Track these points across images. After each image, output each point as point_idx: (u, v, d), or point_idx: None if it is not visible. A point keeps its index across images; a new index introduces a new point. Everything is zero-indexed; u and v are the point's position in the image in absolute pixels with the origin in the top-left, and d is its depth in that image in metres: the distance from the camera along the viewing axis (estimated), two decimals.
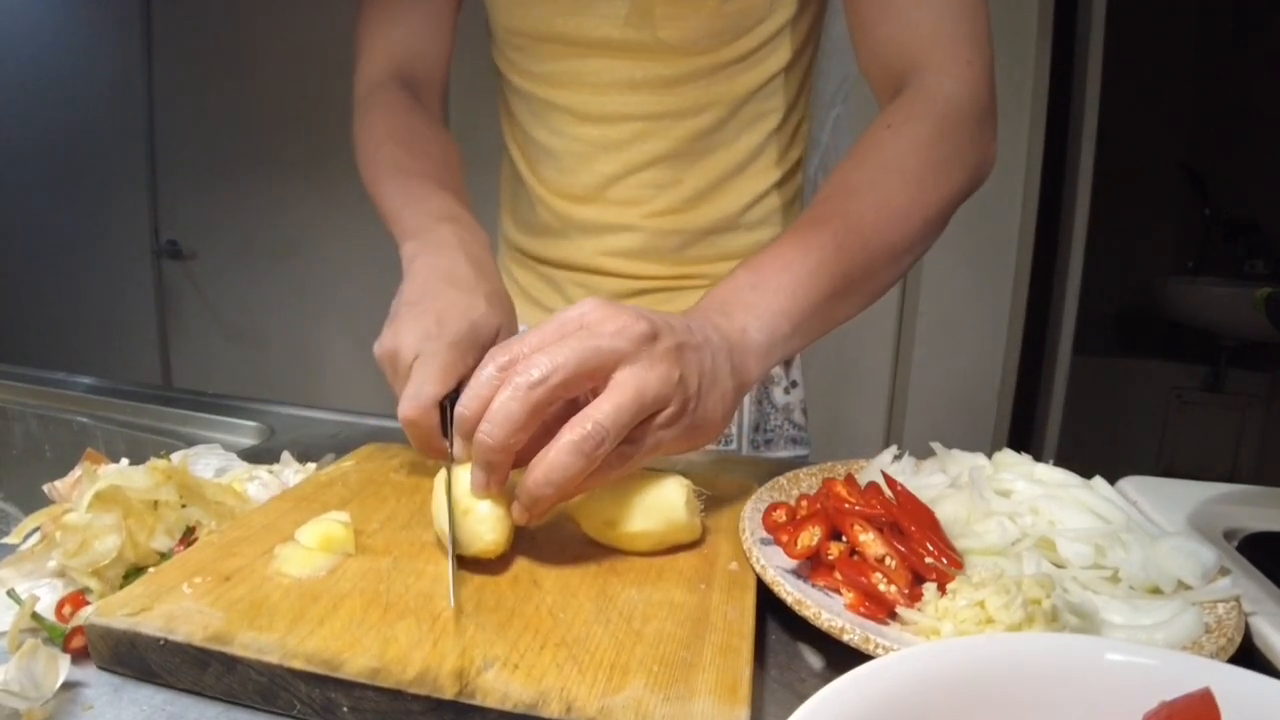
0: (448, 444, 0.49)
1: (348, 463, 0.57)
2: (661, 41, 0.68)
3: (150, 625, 0.35)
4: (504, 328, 0.54)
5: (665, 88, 0.70)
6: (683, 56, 0.69)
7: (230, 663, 0.34)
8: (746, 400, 0.80)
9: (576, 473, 0.40)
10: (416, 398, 0.49)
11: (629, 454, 0.43)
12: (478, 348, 0.51)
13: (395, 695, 0.32)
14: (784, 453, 0.82)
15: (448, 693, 0.32)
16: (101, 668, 0.36)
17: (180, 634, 0.35)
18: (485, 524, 0.42)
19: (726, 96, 0.71)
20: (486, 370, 0.42)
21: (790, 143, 0.77)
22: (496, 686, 0.32)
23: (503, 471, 0.42)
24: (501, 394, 0.40)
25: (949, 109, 0.58)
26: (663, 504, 0.45)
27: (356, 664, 0.33)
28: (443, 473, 0.45)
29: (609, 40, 0.69)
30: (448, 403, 0.50)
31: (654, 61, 0.69)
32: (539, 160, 0.78)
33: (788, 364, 0.83)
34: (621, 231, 0.76)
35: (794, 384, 0.83)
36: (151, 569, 0.40)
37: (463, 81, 0.82)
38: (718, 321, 0.47)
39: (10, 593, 0.40)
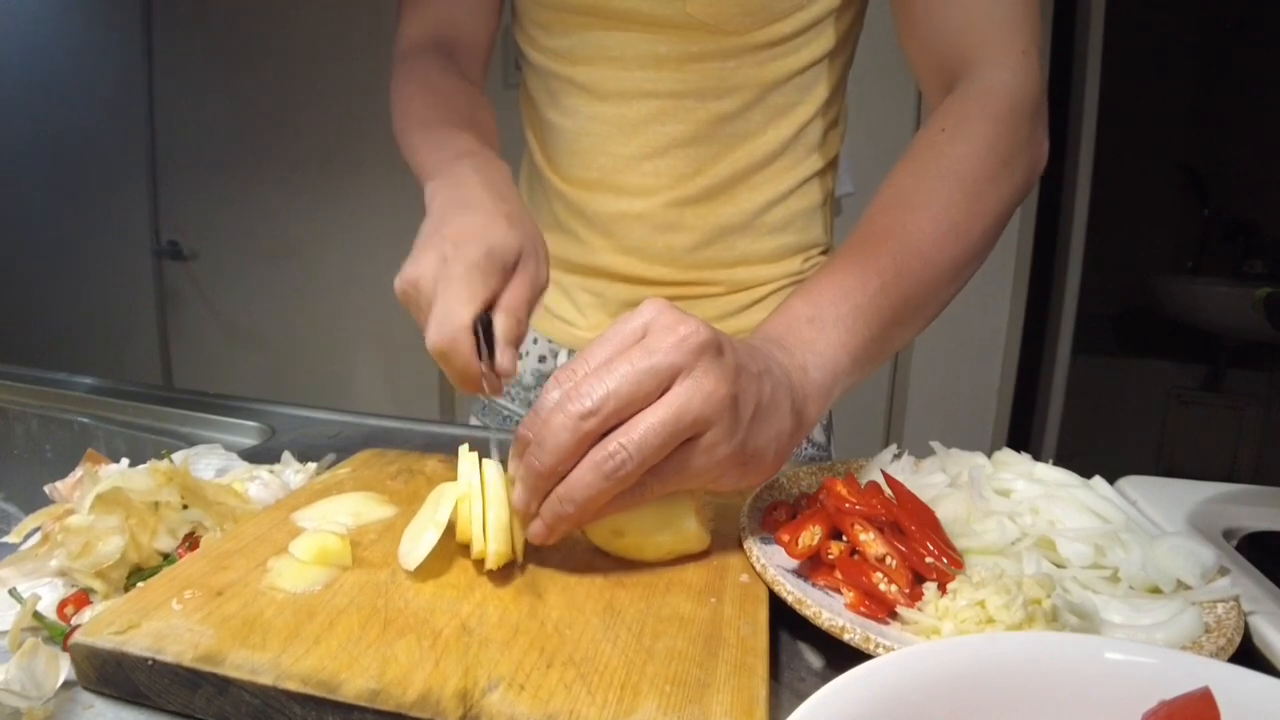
0: (483, 369, 0.48)
1: (343, 470, 0.57)
2: (690, 16, 0.65)
3: (137, 644, 0.34)
4: (526, 249, 0.52)
5: (689, 64, 0.67)
6: (711, 35, 0.66)
7: (222, 684, 0.33)
8: None
9: (597, 493, 0.39)
10: (443, 324, 0.47)
11: (648, 482, 0.41)
12: (499, 268, 0.50)
13: (396, 719, 0.31)
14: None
15: (451, 716, 0.31)
16: (87, 688, 0.35)
17: (169, 653, 0.33)
18: (491, 532, 0.41)
19: (754, 81, 0.68)
20: (551, 395, 0.40)
21: (821, 142, 0.74)
22: (502, 709, 0.31)
23: (544, 496, 0.41)
24: (554, 418, 0.39)
25: (1006, 106, 0.55)
26: (672, 513, 0.44)
27: (354, 685, 0.32)
28: (451, 485, 0.44)
29: (635, 12, 0.66)
30: (479, 326, 0.49)
31: (680, 38, 0.66)
32: (553, 145, 0.76)
33: None
34: (634, 222, 0.73)
35: None
36: (140, 584, 0.40)
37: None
38: (778, 355, 0.44)
39: (12, 592, 0.40)
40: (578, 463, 0.39)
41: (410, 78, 0.70)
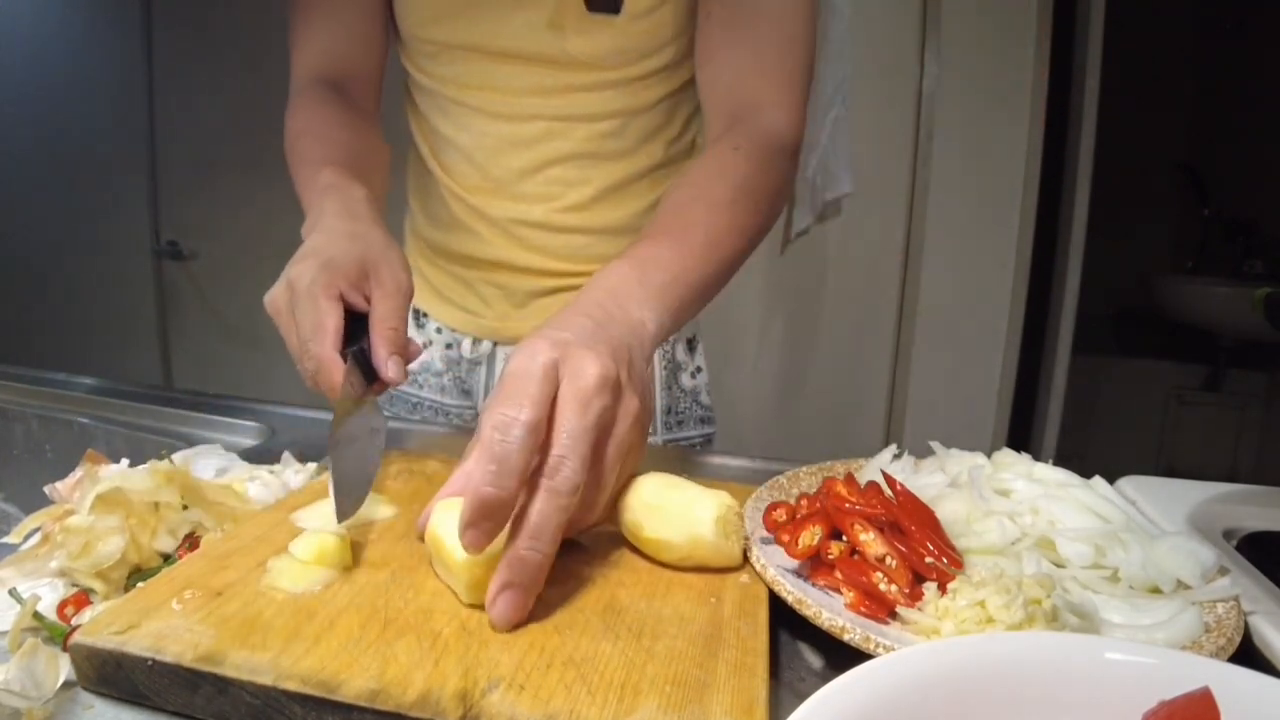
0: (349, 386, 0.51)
1: None
2: (570, 56, 0.72)
3: (137, 644, 0.34)
4: (371, 258, 0.56)
5: (571, 93, 0.75)
6: (589, 70, 0.73)
7: (222, 684, 0.33)
8: (658, 386, 0.86)
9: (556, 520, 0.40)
10: (316, 368, 0.52)
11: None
12: (342, 277, 0.54)
13: (396, 719, 0.31)
14: (693, 431, 0.88)
15: (451, 716, 0.31)
16: (87, 688, 0.35)
17: (169, 654, 0.33)
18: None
19: (627, 108, 0.76)
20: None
21: (687, 154, 0.84)
22: (502, 709, 0.31)
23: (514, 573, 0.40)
24: (544, 503, 0.39)
25: (777, 145, 0.67)
26: (689, 517, 0.44)
27: (354, 685, 0.32)
28: (437, 517, 0.42)
29: (521, 51, 0.73)
30: (354, 357, 0.52)
31: (561, 71, 0.73)
32: (448, 154, 0.81)
33: (692, 351, 0.88)
34: (533, 228, 0.79)
35: (699, 369, 0.90)
36: (140, 584, 0.40)
37: None
38: (615, 313, 0.49)
39: (12, 592, 0.40)
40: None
41: (298, 116, 0.74)
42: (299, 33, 0.79)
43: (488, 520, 0.38)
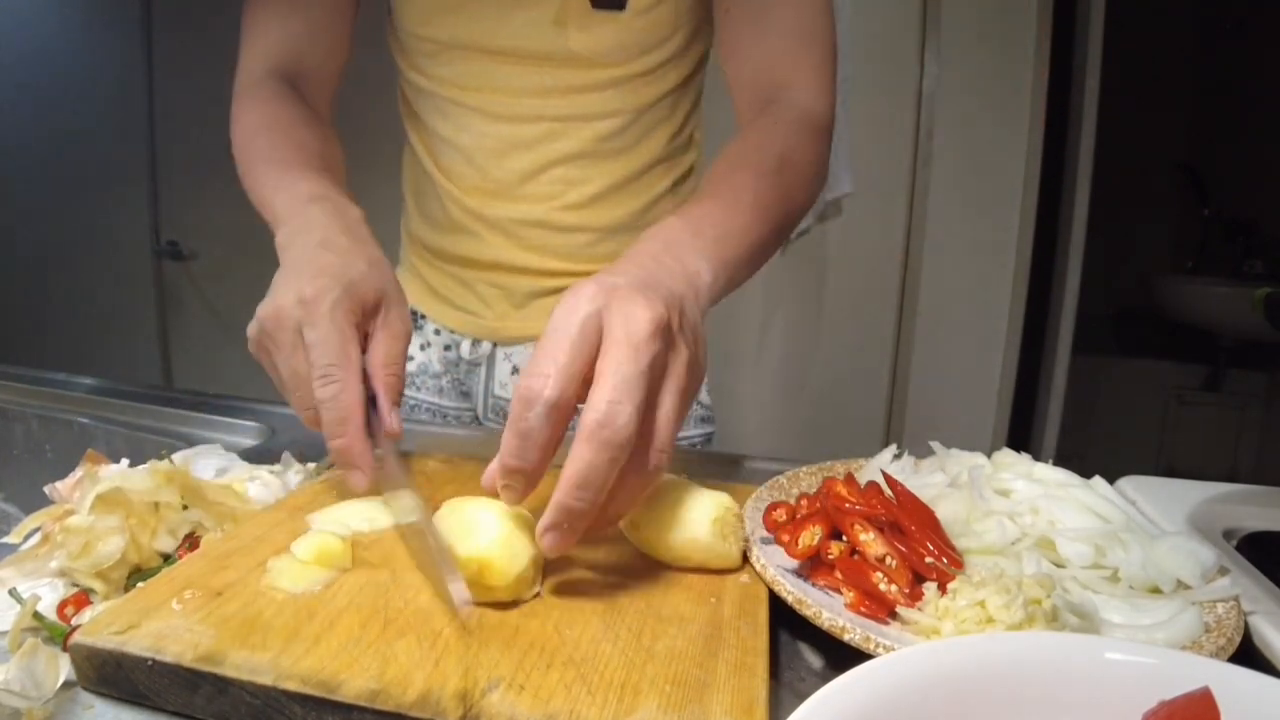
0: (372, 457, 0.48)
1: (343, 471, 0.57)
2: (573, 53, 0.71)
3: (137, 644, 0.34)
4: (388, 292, 0.53)
5: (574, 93, 0.74)
6: (590, 68, 0.73)
7: (222, 684, 0.33)
8: None
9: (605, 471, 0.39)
10: (344, 425, 0.47)
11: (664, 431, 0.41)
12: (360, 306, 0.50)
13: (396, 719, 0.31)
14: (694, 431, 0.86)
15: (451, 716, 0.31)
16: (87, 688, 0.35)
17: (169, 654, 0.33)
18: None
19: (629, 106, 0.76)
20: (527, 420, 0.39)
21: (686, 149, 0.84)
22: (502, 709, 0.31)
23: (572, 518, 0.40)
24: (595, 453, 0.37)
25: (817, 128, 0.67)
26: (686, 518, 0.44)
27: (354, 685, 0.32)
28: (441, 513, 0.43)
29: (522, 49, 0.72)
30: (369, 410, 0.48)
31: (563, 71, 0.73)
32: (446, 156, 0.80)
33: None
34: (533, 227, 0.79)
35: None
36: (140, 584, 0.40)
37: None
38: (669, 264, 0.48)
39: (12, 592, 0.40)
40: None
41: (252, 110, 0.69)
42: (256, 21, 0.74)
43: (514, 484, 0.40)
